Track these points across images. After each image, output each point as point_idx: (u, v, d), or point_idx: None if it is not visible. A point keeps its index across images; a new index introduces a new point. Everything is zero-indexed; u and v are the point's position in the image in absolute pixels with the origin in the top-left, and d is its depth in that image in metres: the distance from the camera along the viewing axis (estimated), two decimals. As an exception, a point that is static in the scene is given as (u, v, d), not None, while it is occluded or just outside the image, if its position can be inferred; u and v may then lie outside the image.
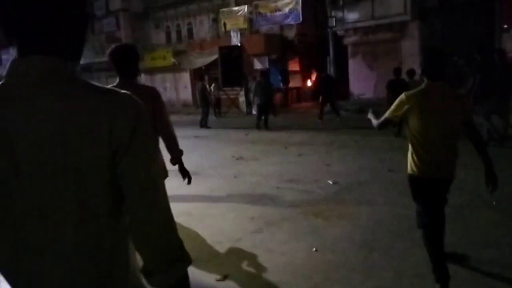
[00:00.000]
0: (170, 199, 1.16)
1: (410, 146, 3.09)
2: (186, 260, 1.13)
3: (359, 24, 16.83)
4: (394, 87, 9.36)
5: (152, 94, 3.28)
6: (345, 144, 9.57)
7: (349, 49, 17.63)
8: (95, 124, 0.98)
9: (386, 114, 3.13)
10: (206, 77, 19.32)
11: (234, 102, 19.20)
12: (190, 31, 24.66)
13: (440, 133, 2.96)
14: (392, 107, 3.08)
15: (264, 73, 13.91)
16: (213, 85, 17.71)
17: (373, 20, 16.32)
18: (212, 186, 6.69)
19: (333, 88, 13.55)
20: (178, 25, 25.15)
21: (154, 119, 3.22)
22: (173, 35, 25.41)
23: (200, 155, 9.16)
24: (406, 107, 2.97)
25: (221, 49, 18.19)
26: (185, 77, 24.25)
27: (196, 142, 11.27)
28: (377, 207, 5.14)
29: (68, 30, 1.03)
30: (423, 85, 3.00)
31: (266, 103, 13.03)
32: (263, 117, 13.09)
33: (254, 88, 13.86)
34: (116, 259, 1.08)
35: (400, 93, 3.10)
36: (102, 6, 26.29)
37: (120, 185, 1.03)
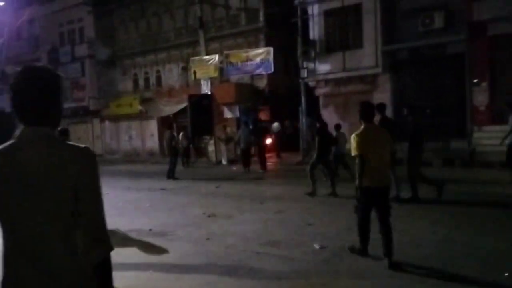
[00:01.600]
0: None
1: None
2: (109, 247, 1.71)
3: (330, 76, 16.79)
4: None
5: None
6: (327, 200, 8.92)
7: (321, 100, 17.47)
8: (67, 162, 1.63)
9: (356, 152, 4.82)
10: (175, 126, 18.61)
11: (203, 152, 18.47)
12: (158, 78, 24.16)
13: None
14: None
15: (246, 122, 15.53)
16: (181, 133, 17.00)
17: (345, 72, 16.30)
18: (181, 251, 5.81)
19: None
20: (146, 73, 24.64)
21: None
22: (141, 83, 24.83)
23: (167, 212, 8.27)
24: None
25: (191, 97, 17.69)
26: (152, 125, 23.47)
27: (162, 196, 10.36)
28: (378, 280, 4.41)
29: (54, 112, 1.69)
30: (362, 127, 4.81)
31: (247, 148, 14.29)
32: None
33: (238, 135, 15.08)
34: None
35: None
36: (68, 52, 25.57)
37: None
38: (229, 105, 19.05)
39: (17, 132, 1.64)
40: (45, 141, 1.61)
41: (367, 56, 15.75)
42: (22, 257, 1.56)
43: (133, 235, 6.87)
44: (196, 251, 5.86)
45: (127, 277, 4.65)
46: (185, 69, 22.67)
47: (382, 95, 15.91)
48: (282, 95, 19.51)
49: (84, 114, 25.77)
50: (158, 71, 24.22)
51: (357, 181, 4.85)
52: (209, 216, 7.94)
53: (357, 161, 4.80)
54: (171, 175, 13.69)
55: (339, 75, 16.45)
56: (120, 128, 25.04)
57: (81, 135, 26.00)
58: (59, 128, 9.84)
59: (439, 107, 14.72)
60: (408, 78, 15.55)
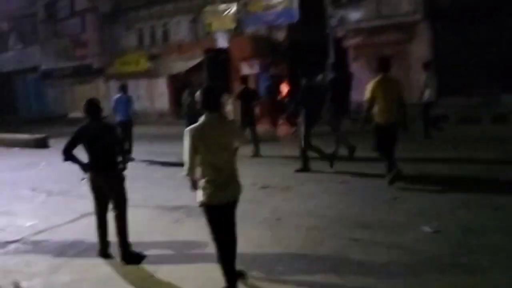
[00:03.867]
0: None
1: None
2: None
3: (362, 24, 15.19)
4: None
5: None
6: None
7: (351, 52, 15.95)
8: (227, 130, 3.55)
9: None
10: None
11: (222, 112, 17.11)
12: (165, 33, 22.36)
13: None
14: None
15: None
16: (198, 92, 15.53)
17: (379, 20, 14.72)
18: (253, 236, 4.69)
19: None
20: (152, 27, 22.80)
21: None
22: (146, 38, 23.03)
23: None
24: None
25: (207, 51, 16.13)
26: (161, 84, 21.91)
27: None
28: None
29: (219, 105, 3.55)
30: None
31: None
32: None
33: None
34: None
35: None
36: (67, 6, 23.62)
37: None
38: (246, 60, 17.52)
39: (204, 116, 3.41)
40: (218, 119, 3.43)
41: (405, 1, 14.14)
42: (210, 168, 3.38)
43: (183, 213, 5.75)
44: (272, 236, 4.73)
45: (200, 269, 3.56)
46: (195, 21, 20.85)
47: (420, 46, 14.49)
48: (304, 49, 17.90)
49: (87, 73, 24.15)
50: (165, 25, 22.38)
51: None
52: (262, 187, 6.80)
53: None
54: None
55: (372, 23, 14.87)
56: (118, 89, 23.48)
57: (86, 96, 24.48)
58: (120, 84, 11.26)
59: (485, 60, 13.30)
60: (450, 28, 14.00)
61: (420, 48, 14.47)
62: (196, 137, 3.33)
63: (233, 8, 16.62)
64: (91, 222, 5.07)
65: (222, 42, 16.78)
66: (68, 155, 4.50)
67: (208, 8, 17.62)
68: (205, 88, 3.57)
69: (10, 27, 27.19)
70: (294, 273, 3.81)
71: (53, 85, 26.51)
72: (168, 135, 14.74)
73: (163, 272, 4.09)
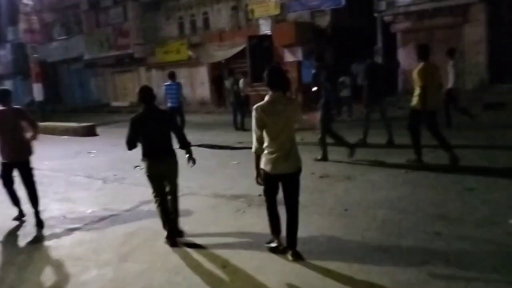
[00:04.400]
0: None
1: None
2: None
3: (412, 8, 14.55)
4: None
5: None
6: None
7: (399, 38, 15.35)
8: (289, 107, 3.86)
9: None
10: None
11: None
12: (206, 21, 22.27)
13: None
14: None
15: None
16: (241, 79, 15.40)
17: (431, 3, 14.03)
18: (321, 226, 4.50)
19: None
20: (193, 15, 22.76)
21: None
22: (187, 26, 23.02)
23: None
24: None
25: (250, 38, 15.90)
26: (202, 72, 21.93)
27: (245, 152, 8.98)
28: None
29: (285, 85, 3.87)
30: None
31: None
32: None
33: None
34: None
35: None
36: (109, -4, 23.92)
37: None
38: (289, 47, 17.19)
39: (270, 94, 3.71)
40: (282, 97, 3.73)
41: (459, -17, 13.44)
42: (273, 141, 3.72)
43: (243, 203, 5.59)
44: (345, 227, 4.49)
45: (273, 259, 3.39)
46: (236, 9, 20.68)
47: (475, 29, 13.75)
48: (350, 34, 17.38)
49: (129, 63, 24.46)
50: (205, 13, 22.29)
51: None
52: (321, 177, 6.55)
53: None
54: (241, 124, 12.35)
55: (423, 6, 14.21)
56: (167, 77, 23.66)
57: (127, 85, 24.90)
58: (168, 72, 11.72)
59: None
60: (508, 9, 13.21)
61: (474, 32, 13.75)
62: (262, 113, 3.69)
63: (277, -7, 16.27)
64: (151, 209, 5.02)
65: (265, 28, 16.50)
66: (132, 146, 4.47)
67: (251, -6, 17.34)
68: (271, 68, 3.88)
69: (55, 18, 27.83)
70: (379, 267, 3.57)
71: (96, 74, 27.04)
72: (212, 124, 14.70)
73: (235, 261, 3.93)
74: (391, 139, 8.31)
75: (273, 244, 4.04)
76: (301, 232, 3.96)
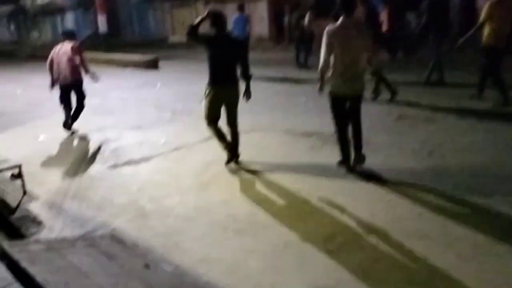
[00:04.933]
0: None
1: None
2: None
3: None
4: None
5: None
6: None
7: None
8: (362, 32, 4.16)
9: None
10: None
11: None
12: (268, -48, 21.15)
13: None
14: None
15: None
16: (307, 14, 14.68)
17: None
18: (412, 169, 4.26)
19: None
20: None
21: None
22: (247, -42, 21.99)
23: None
24: None
25: (316, -29, 14.93)
26: (261, 7, 21.14)
27: (307, 89, 8.68)
28: None
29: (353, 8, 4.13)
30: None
31: None
32: None
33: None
34: None
35: None
36: None
37: None
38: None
39: (342, 18, 4.02)
40: (353, 23, 4.02)
41: None
42: (340, 64, 4.00)
43: (317, 140, 5.43)
44: (431, 169, 4.26)
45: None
46: None
47: None
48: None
49: (187, -4, 24.01)
50: None
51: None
52: (399, 118, 6.24)
53: None
54: (304, 62, 11.96)
55: None
56: (226, 11, 23.11)
57: (185, 19, 24.59)
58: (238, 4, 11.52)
59: None
60: None
61: None
62: (332, 36, 4.01)
63: None
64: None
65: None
66: (194, 32, 4.38)
67: None
68: None
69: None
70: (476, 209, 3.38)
71: (155, 8, 26.90)
72: (272, 61, 14.33)
73: (320, 194, 3.86)
74: (442, 78, 8.13)
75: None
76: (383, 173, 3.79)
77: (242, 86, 4.64)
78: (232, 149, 4.73)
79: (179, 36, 25.05)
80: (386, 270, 2.78)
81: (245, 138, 5.61)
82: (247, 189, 4.19)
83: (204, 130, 5.41)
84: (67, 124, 6.53)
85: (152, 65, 13.84)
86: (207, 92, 4.52)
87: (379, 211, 3.53)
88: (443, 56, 8.14)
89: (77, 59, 6.19)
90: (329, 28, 4.02)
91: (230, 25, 10.97)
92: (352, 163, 4.33)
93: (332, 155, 4.74)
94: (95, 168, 5.03)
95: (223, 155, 5.00)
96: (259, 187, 4.24)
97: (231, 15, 23.92)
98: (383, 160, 4.61)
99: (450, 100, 6.95)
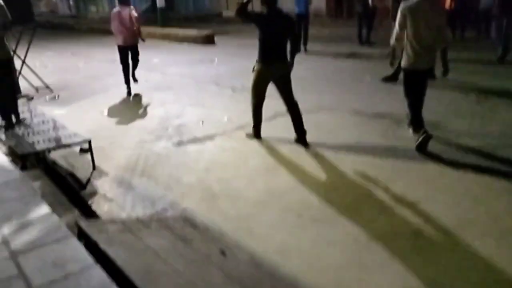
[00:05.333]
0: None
1: None
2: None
3: None
4: None
5: None
6: None
7: None
8: (438, 6, 4.26)
9: None
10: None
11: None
12: None
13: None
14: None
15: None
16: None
17: None
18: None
19: None
20: None
21: None
22: None
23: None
24: None
25: None
26: (319, -19, 20.39)
27: (375, 68, 8.24)
28: None
29: None
30: None
31: None
32: None
33: None
34: None
35: None
36: None
37: None
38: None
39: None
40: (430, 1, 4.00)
41: None
42: (415, 40, 4.08)
43: (391, 122, 5.09)
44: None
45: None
46: None
47: None
48: None
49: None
50: None
51: None
52: (477, 99, 5.74)
53: None
54: (366, 38, 11.43)
55: None
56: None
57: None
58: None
59: None
60: None
61: None
62: (407, 12, 4.09)
63: None
64: (288, 121, 4.78)
65: None
66: (244, 10, 4.37)
67: None
68: None
69: None
70: None
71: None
72: (331, 37, 13.81)
73: (399, 183, 3.58)
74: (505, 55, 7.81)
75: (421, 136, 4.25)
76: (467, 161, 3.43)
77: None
78: (297, 128, 4.69)
79: (233, 12, 24.81)
80: (483, 277, 2.50)
81: (313, 119, 5.39)
82: (318, 174, 3.98)
83: (268, 108, 5.27)
84: (129, 88, 7.49)
85: (208, 40, 13.72)
86: (255, 68, 4.58)
87: (470, 207, 3.21)
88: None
89: (136, 26, 7.07)
90: (405, 4, 4.10)
91: (291, 1, 10.80)
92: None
93: (408, 138, 4.41)
94: (161, 145, 4.96)
95: (289, 135, 4.80)
96: (332, 172, 4.01)
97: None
98: (466, 148, 4.23)
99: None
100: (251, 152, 4.58)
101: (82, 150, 4.59)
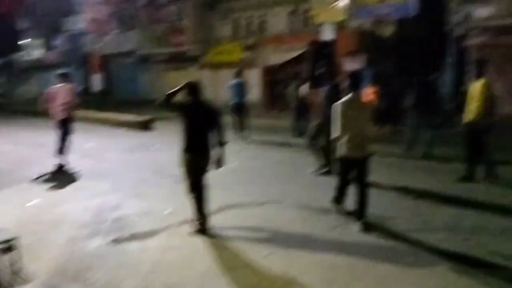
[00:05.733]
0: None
1: None
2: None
3: (491, 23, 13.69)
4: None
5: None
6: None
7: (472, 52, 14.48)
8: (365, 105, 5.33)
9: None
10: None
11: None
12: (262, 24, 21.95)
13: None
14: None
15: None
16: (305, 85, 14.85)
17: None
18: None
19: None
20: (249, 17, 22.50)
21: None
22: (242, 28, 22.79)
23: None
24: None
25: (313, 44, 15.32)
26: (255, 75, 21.49)
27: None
28: None
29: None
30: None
31: None
32: None
33: None
34: None
35: None
36: (167, -7, 23.99)
37: None
38: (350, 55, 16.58)
39: (352, 94, 4.73)
40: (359, 98, 4.91)
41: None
42: (351, 131, 4.65)
43: (337, 218, 5.07)
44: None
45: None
46: (294, 13, 20.32)
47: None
48: (416, 46, 16.59)
49: (181, 61, 24.40)
50: (262, 16, 21.96)
51: None
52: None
53: None
54: (301, 130, 11.89)
55: (503, 21, 13.34)
56: (219, 77, 23.45)
57: (178, 82, 24.76)
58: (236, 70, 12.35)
59: None
60: None
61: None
62: (345, 107, 4.72)
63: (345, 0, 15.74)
64: (238, 215, 4.62)
65: (327, 34, 15.93)
66: (168, 101, 4.58)
67: (316, -1, 16.88)
68: (353, 74, 4.99)
69: (110, 11, 28.18)
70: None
71: (148, 70, 27.18)
72: (268, 128, 14.26)
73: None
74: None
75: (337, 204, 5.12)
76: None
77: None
78: (203, 216, 4.72)
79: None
80: None
81: (261, 213, 5.27)
82: (274, 278, 3.74)
83: (214, 200, 5.11)
84: (61, 161, 7.81)
85: (147, 125, 13.57)
86: (182, 160, 4.64)
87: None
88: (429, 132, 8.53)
89: (71, 101, 7.61)
90: (342, 100, 4.76)
91: (228, 90, 11.54)
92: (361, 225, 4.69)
93: (358, 234, 4.38)
94: (97, 242, 4.51)
95: (242, 234, 4.60)
96: (288, 275, 3.78)
97: (223, 81, 24.33)
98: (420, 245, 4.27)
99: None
100: (198, 252, 4.28)
101: (6, 250, 4.02)
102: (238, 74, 11.86)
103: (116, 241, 4.55)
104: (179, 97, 4.73)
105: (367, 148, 4.77)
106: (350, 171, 4.85)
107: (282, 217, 5.23)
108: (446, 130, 10.47)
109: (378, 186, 6.19)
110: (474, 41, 14.34)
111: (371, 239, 4.49)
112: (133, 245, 4.45)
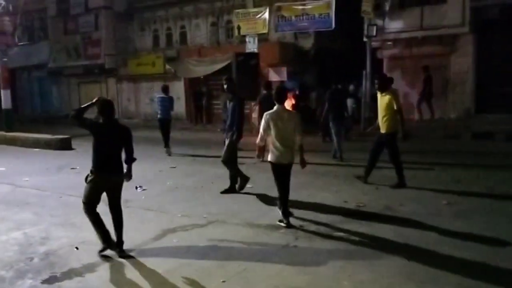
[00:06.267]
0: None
1: None
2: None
3: (403, 35, 14.70)
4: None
5: None
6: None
7: (386, 63, 15.45)
8: (293, 116, 5.47)
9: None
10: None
11: (248, 118, 16.40)
12: (183, 35, 21.66)
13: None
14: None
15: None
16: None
17: (421, 31, 14.22)
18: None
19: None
20: (169, 29, 22.08)
21: None
22: (162, 40, 22.29)
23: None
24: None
25: (238, 55, 15.40)
26: (178, 87, 21.00)
27: (255, 174, 8.33)
28: None
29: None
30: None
31: None
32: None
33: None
34: None
35: None
36: (81, 3, 22.71)
37: None
38: (274, 66, 16.87)
39: (277, 106, 5.25)
40: (285, 109, 5.39)
41: (451, 13, 13.70)
42: (277, 140, 5.16)
43: (286, 234, 4.98)
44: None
45: None
46: (216, 25, 20.36)
47: (462, 59, 14.05)
48: (334, 57, 17.32)
49: (98, 73, 23.22)
50: (182, 27, 21.67)
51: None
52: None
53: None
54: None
55: (413, 34, 14.38)
56: (139, 90, 22.64)
57: (94, 96, 23.51)
58: (162, 86, 12.07)
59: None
60: (497, 41, 13.60)
61: (462, 61, 14.05)
62: (270, 118, 5.18)
63: (266, 12, 15.97)
64: (183, 239, 4.37)
65: (251, 46, 16.06)
66: (79, 116, 4.50)
67: (238, 10, 16.93)
68: (279, 88, 5.63)
69: (17, 22, 26.07)
70: None
71: (60, 83, 25.49)
72: (195, 141, 13.98)
73: None
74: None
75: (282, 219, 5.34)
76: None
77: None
78: (118, 236, 4.61)
79: (86, 114, 23.74)
80: None
81: (208, 234, 5.03)
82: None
83: (151, 224, 4.84)
84: None
85: (65, 145, 12.57)
86: (89, 179, 4.52)
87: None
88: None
89: None
90: (267, 112, 5.26)
91: (152, 104, 11.27)
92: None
93: (315, 256, 4.32)
94: (26, 285, 3.95)
95: (188, 262, 4.31)
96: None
97: (143, 94, 23.46)
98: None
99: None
100: (144, 282, 3.92)
101: None
102: (165, 89, 11.68)
103: (50, 280, 4.02)
104: (92, 114, 4.68)
105: (292, 156, 5.27)
106: (280, 175, 5.29)
107: (231, 237, 5.02)
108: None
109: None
110: (386, 53, 15.30)
111: (325, 254, 4.45)
112: (70, 284, 3.96)
